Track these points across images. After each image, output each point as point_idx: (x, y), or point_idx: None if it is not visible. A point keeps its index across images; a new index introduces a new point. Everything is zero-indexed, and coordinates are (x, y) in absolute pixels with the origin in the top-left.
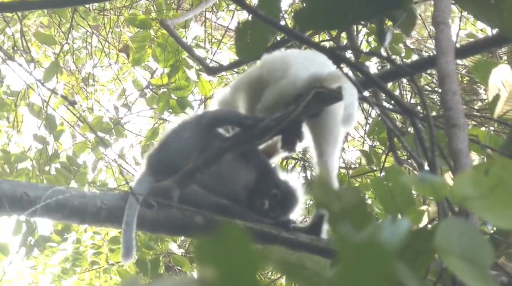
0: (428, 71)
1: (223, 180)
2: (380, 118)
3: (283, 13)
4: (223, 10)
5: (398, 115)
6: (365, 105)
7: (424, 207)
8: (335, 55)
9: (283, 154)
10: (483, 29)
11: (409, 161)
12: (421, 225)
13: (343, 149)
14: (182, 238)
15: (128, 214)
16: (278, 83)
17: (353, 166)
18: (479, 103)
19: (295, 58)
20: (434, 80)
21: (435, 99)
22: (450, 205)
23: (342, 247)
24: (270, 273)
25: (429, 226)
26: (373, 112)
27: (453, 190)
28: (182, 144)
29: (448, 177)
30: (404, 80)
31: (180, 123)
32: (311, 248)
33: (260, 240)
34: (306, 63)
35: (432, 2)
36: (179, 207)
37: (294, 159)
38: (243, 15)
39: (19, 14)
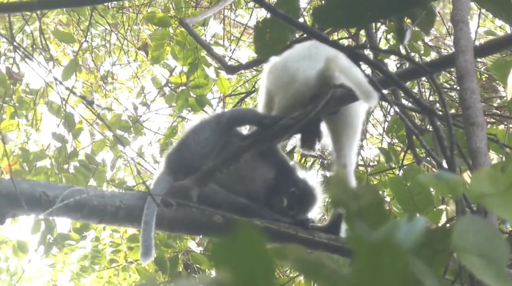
0: (447, 69)
1: (241, 178)
2: (398, 117)
3: (302, 11)
4: (241, 8)
5: (417, 113)
6: (384, 103)
7: (442, 206)
8: (354, 53)
9: None
10: (502, 27)
11: (428, 158)
12: (440, 224)
13: (361, 146)
14: (201, 236)
15: (147, 213)
16: (290, 87)
17: (371, 163)
18: (498, 101)
19: (294, 61)
20: (453, 78)
21: (454, 97)
22: (468, 203)
23: (358, 246)
24: (288, 270)
25: (448, 224)
26: (392, 110)
27: (470, 188)
28: (201, 143)
29: (467, 176)
30: (423, 78)
31: (198, 122)
32: (329, 247)
33: (278, 239)
34: (308, 62)
35: (451, 0)
36: (198, 207)
37: (313, 156)
38: (262, 13)
39: (38, 12)
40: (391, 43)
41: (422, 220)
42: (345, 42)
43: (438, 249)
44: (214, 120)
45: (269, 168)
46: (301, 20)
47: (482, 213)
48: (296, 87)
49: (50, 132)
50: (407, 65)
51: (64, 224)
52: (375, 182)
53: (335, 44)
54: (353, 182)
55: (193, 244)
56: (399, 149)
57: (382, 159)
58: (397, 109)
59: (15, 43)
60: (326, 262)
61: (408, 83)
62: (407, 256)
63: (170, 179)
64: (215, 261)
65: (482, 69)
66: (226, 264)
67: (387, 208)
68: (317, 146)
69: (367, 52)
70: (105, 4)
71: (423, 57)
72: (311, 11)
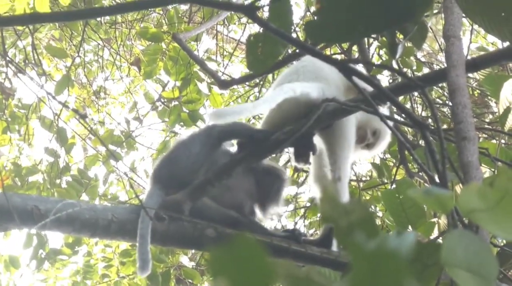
0: (439, 85)
1: (226, 190)
2: (390, 131)
3: (295, 26)
4: (234, 23)
5: (409, 129)
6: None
7: (434, 219)
8: (347, 68)
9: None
10: (494, 43)
11: (420, 173)
12: (432, 237)
13: (354, 162)
14: (193, 250)
15: (142, 227)
16: (281, 104)
17: (364, 178)
18: (490, 116)
19: (284, 79)
20: (445, 93)
21: (446, 113)
22: (460, 217)
23: (355, 256)
24: None
25: (439, 238)
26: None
27: (459, 202)
28: (191, 157)
29: (459, 190)
30: (415, 93)
31: (189, 136)
32: (321, 261)
33: (270, 253)
34: (296, 77)
35: (443, 15)
36: (191, 220)
37: (306, 171)
38: (255, 28)
39: (31, 27)
40: (384, 58)
41: (412, 235)
42: (338, 57)
43: (428, 263)
44: (204, 134)
45: (248, 176)
46: (294, 35)
47: (473, 227)
48: (286, 105)
49: (42, 147)
50: (400, 80)
51: (56, 239)
52: (367, 197)
53: (328, 59)
54: (346, 195)
55: (185, 259)
56: (391, 164)
57: (375, 174)
58: (389, 123)
59: (7, 58)
60: (316, 278)
61: (400, 99)
62: (405, 266)
63: (161, 193)
64: (212, 270)
65: (474, 85)
66: (223, 273)
67: (379, 222)
68: (311, 159)
69: (360, 67)
70: (98, 19)
71: (415, 72)
72: (303, 26)
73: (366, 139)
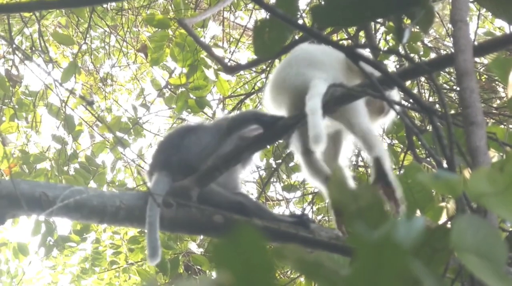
0: (447, 70)
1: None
2: (398, 117)
3: (301, 11)
4: (241, 9)
5: (417, 114)
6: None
7: (443, 204)
8: (354, 53)
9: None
10: (501, 27)
11: (428, 159)
12: (440, 222)
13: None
14: (201, 237)
15: (150, 214)
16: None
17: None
18: (498, 101)
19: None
20: (453, 79)
21: (454, 98)
22: (468, 202)
23: (358, 245)
24: (289, 271)
25: (448, 222)
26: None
27: (468, 187)
28: (202, 145)
29: (467, 174)
30: (423, 79)
31: (199, 125)
32: (329, 246)
33: (278, 239)
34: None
35: (450, 0)
36: (198, 206)
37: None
38: (261, 14)
39: (37, 14)
40: (391, 44)
41: (421, 219)
42: (345, 43)
43: (437, 248)
44: (215, 126)
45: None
46: (300, 21)
47: (482, 211)
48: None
49: (50, 134)
50: (407, 65)
51: (64, 226)
52: None
53: (335, 44)
54: (388, 163)
55: (194, 246)
56: (399, 150)
57: None
58: (396, 109)
59: (14, 45)
60: (326, 262)
61: (407, 84)
62: (408, 254)
63: (169, 180)
64: (215, 261)
65: (481, 70)
66: (227, 264)
67: (388, 208)
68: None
69: (367, 52)
70: (104, 6)
71: (422, 58)
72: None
73: (385, 109)
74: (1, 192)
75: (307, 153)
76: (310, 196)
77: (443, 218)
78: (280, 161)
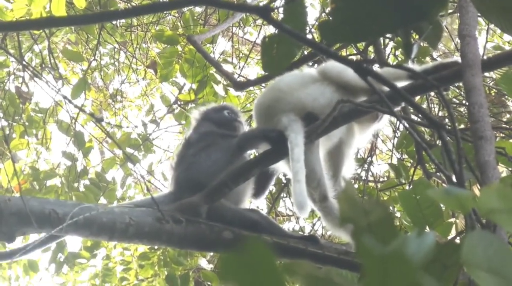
0: (456, 84)
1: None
2: (407, 132)
3: (310, 27)
4: (250, 25)
5: (426, 128)
6: (393, 119)
7: (452, 219)
8: (362, 68)
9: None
10: (510, 41)
11: (438, 173)
12: (449, 237)
13: (371, 162)
14: (211, 253)
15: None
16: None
17: (381, 179)
18: (507, 116)
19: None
20: (462, 93)
21: (463, 112)
22: (478, 217)
23: (368, 260)
24: None
25: (457, 238)
26: (401, 126)
27: (479, 203)
28: (211, 162)
29: (476, 189)
30: (432, 93)
31: (209, 143)
32: (338, 262)
33: (288, 255)
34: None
35: (459, 15)
36: (207, 223)
37: None
38: (270, 30)
39: (47, 31)
40: (399, 59)
41: (432, 235)
42: (354, 58)
43: (447, 264)
44: (225, 143)
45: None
46: (309, 36)
47: (491, 227)
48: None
49: (60, 151)
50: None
51: (74, 242)
52: (385, 198)
53: (343, 60)
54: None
55: (204, 262)
56: (409, 164)
57: (392, 174)
58: (405, 124)
59: (24, 62)
60: (336, 278)
61: (417, 99)
62: (417, 269)
63: (178, 196)
64: (223, 276)
65: (490, 84)
66: (235, 279)
67: (397, 223)
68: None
69: (375, 67)
70: (114, 22)
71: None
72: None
73: (378, 116)
74: (11, 209)
75: (322, 200)
76: None
77: (452, 233)
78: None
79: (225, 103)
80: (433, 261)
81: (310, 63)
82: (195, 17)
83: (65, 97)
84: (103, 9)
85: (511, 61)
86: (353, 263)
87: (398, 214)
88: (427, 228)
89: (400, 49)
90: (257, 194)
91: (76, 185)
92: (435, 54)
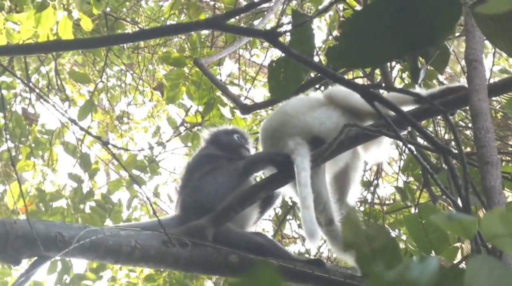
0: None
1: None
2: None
3: (317, 50)
4: (257, 47)
5: (432, 152)
6: (399, 142)
7: (458, 244)
8: (369, 93)
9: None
10: None
11: (444, 197)
12: (455, 262)
13: (377, 185)
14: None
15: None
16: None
17: (387, 202)
18: None
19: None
20: (468, 116)
21: (470, 135)
22: (483, 242)
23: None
24: None
25: (463, 262)
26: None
27: (482, 228)
28: (217, 185)
29: (482, 214)
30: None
31: (215, 166)
32: None
33: (294, 278)
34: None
35: (465, 39)
36: (214, 246)
37: None
38: (277, 52)
39: (54, 53)
40: (406, 82)
41: (435, 260)
42: (360, 81)
43: None
44: (231, 166)
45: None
46: (316, 59)
47: (497, 252)
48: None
49: (66, 173)
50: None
51: (80, 264)
52: (391, 221)
53: (350, 84)
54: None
55: (210, 284)
56: (415, 187)
57: (398, 197)
58: (412, 148)
59: (30, 84)
60: None
61: (423, 122)
62: None
63: (184, 220)
64: None
65: (497, 108)
66: None
67: (403, 246)
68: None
69: (382, 91)
70: (120, 45)
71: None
72: (325, 51)
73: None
74: (17, 232)
75: (328, 224)
76: None
77: (458, 258)
78: None
79: (237, 127)
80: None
81: (317, 87)
82: (202, 39)
83: (71, 120)
84: (110, 31)
85: None
86: None
87: (404, 237)
88: (433, 252)
89: (406, 72)
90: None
91: (82, 206)
92: (441, 77)
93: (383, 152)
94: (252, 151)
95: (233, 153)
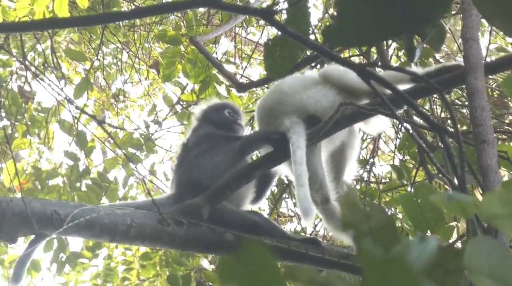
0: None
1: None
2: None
3: (313, 28)
4: (253, 26)
5: (428, 131)
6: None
7: (454, 223)
8: (365, 72)
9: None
10: None
11: (440, 175)
12: (451, 241)
13: (373, 164)
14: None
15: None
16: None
17: (383, 180)
18: (510, 117)
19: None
20: (465, 95)
21: (466, 114)
22: (479, 222)
23: (368, 265)
24: None
25: (459, 241)
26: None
27: (481, 208)
28: (214, 164)
29: (478, 193)
30: (435, 95)
31: (212, 145)
32: (339, 265)
33: (288, 258)
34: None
35: (461, 17)
36: (209, 225)
37: None
38: (273, 30)
39: (50, 31)
40: (402, 60)
41: (434, 240)
42: (356, 59)
43: (449, 269)
44: (228, 145)
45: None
46: (312, 37)
47: (492, 232)
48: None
49: (62, 151)
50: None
51: (76, 242)
52: (387, 199)
53: (346, 63)
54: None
55: (206, 262)
56: (411, 165)
57: (394, 176)
58: (408, 127)
59: (26, 62)
60: (337, 282)
61: (420, 100)
62: (418, 275)
63: (180, 198)
64: (222, 278)
65: (493, 86)
66: (234, 282)
67: (399, 225)
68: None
69: (378, 69)
70: (116, 22)
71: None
72: (321, 28)
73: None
74: (13, 210)
75: (324, 203)
76: None
77: (454, 237)
78: None
79: (227, 102)
80: (435, 266)
81: (313, 65)
82: (198, 17)
83: (67, 98)
84: (106, 9)
85: None
86: (354, 266)
87: (400, 216)
88: (429, 231)
89: (403, 50)
90: (256, 197)
91: (78, 184)
92: (437, 55)
93: (384, 123)
94: (245, 127)
95: (226, 130)
